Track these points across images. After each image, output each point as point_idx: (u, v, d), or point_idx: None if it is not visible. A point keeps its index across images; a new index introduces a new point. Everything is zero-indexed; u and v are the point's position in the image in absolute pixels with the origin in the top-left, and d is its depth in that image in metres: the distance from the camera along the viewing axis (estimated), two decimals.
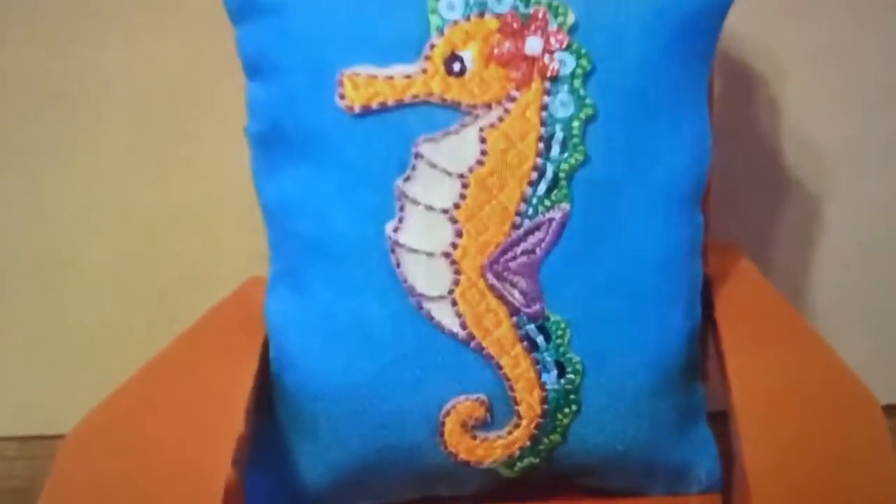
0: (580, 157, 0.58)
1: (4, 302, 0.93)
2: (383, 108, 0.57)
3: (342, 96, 0.57)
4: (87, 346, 0.93)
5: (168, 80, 0.88)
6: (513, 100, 0.57)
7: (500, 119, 0.57)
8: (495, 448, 0.61)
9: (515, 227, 0.58)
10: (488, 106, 0.57)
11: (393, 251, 0.58)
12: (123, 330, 0.92)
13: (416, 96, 0.57)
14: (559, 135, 0.58)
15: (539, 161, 0.58)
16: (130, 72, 0.88)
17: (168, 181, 0.90)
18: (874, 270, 0.96)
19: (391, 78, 0.57)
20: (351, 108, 0.57)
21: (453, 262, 0.58)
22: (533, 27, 0.58)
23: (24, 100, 0.88)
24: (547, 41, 0.58)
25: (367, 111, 0.57)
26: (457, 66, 0.57)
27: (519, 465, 0.62)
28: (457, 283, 0.58)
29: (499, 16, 0.58)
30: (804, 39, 0.90)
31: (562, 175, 0.58)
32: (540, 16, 0.58)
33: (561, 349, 0.59)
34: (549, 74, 0.58)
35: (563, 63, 0.58)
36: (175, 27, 0.86)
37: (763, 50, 0.90)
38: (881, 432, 0.49)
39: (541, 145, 0.58)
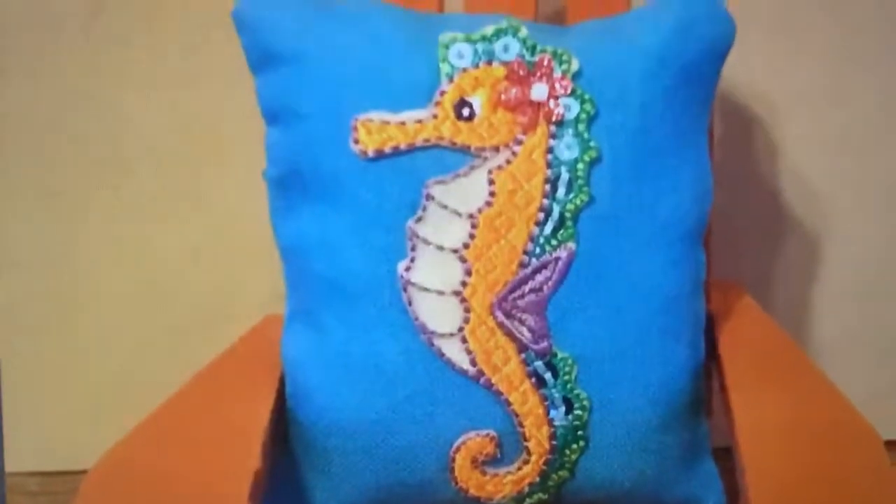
0: (585, 198, 0.59)
1: (28, 339, 0.93)
2: (396, 152, 0.58)
3: (356, 141, 0.58)
4: (108, 382, 0.93)
5: (187, 126, 0.89)
6: (520, 143, 0.59)
7: (508, 161, 0.59)
8: (505, 484, 0.61)
9: (523, 265, 0.59)
10: (496, 149, 0.59)
11: (405, 290, 0.58)
12: (144, 367, 0.92)
13: (427, 140, 0.58)
14: (565, 176, 0.59)
15: (546, 202, 0.59)
16: (151, 117, 0.89)
17: (188, 222, 0.91)
18: (874, 307, 0.96)
19: (403, 123, 0.58)
20: (365, 153, 0.58)
21: (463, 300, 0.59)
22: (539, 74, 0.60)
23: (48, 142, 0.89)
24: (552, 87, 0.59)
25: (380, 155, 0.58)
26: (466, 112, 0.59)
27: (528, 500, 0.62)
28: (467, 320, 0.59)
29: (506, 63, 0.59)
30: (801, 82, 0.91)
31: (568, 215, 0.59)
32: (545, 63, 0.60)
33: (568, 385, 0.59)
34: (554, 119, 0.59)
35: (568, 108, 0.59)
36: (195, 75, 0.88)
37: (761, 93, 0.92)
38: (884, 467, 0.49)
39: (547, 187, 0.59)
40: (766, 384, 0.60)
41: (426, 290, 0.59)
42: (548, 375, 0.60)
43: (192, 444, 0.54)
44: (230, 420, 0.56)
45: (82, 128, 0.89)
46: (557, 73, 0.60)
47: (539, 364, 0.59)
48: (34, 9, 0.86)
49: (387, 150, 0.58)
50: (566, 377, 0.60)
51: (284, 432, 0.62)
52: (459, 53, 0.59)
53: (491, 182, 0.59)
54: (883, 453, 0.50)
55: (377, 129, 0.58)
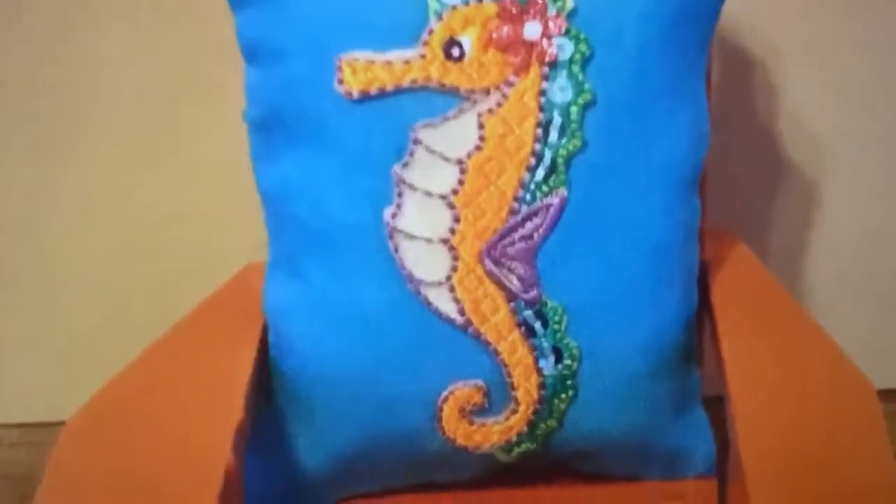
0: (578, 143, 0.58)
1: (5, 293, 0.93)
2: (382, 94, 0.57)
3: (341, 81, 0.57)
4: (87, 334, 0.94)
5: (164, 68, 0.88)
6: (511, 85, 0.57)
7: (499, 104, 0.57)
8: (493, 433, 0.61)
9: (513, 212, 0.58)
10: (486, 91, 0.57)
11: (391, 237, 0.58)
12: (124, 318, 0.93)
13: (414, 81, 0.57)
14: (557, 120, 0.58)
15: (537, 147, 0.58)
16: (126, 60, 0.88)
17: (167, 170, 0.90)
18: (870, 256, 0.97)
19: (390, 63, 0.56)
20: (349, 94, 0.57)
21: (451, 248, 0.58)
22: (532, 12, 0.58)
23: (19, 93, 0.88)
24: (545, 26, 0.58)
25: (365, 96, 0.57)
26: (455, 51, 0.57)
27: (516, 450, 0.63)
28: (455, 268, 0.58)
29: (498, 1, 0.57)
30: (803, 28, 0.90)
31: (560, 161, 0.58)
32: (539, 1, 0.58)
33: (558, 335, 0.60)
34: (547, 60, 0.58)
35: (562, 48, 0.58)
36: (172, 14, 0.86)
37: (761, 37, 0.90)
38: (876, 417, 0.49)
39: (539, 131, 0.58)
40: (759, 334, 0.60)
41: (413, 237, 0.58)
42: (537, 325, 0.60)
43: (172, 394, 0.54)
44: (211, 371, 0.57)
45: (57, 75, 0.87)
46: (551, 12, 0.58)
47: (528, 313, 0.59)
48: None
49: (372, 91, 0.57)
50: (556, 326, 0.60)
51: (268, 381, 0.62)
52: None
53: (481, 126, 0.57)
54: (875, 402, 0.50)
55: (362, 68, 0.57)
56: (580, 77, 0.58)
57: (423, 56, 0.57)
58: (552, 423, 0.61)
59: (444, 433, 0.60)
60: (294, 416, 0.62)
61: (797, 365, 0.56)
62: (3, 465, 0.94)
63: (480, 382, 0.60)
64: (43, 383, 0.95)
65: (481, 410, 0.60)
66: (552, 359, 0.60)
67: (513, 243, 0.59)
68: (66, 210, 0.91)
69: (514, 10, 0.57)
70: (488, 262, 0.58)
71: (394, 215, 0.58)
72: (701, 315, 0.66)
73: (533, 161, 0.58)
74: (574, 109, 0.58)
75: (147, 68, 0.88)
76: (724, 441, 0.57)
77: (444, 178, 0.58)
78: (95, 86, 0.88)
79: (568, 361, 0.60)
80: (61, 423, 0.50)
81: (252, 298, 0.63)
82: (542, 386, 0.60)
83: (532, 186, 0.58)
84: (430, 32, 0.57)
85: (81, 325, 0.94)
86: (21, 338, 0.94)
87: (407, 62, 0.57)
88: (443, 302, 0.58)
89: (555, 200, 0.58)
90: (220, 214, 0.91)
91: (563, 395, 0.61)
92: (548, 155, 0.58)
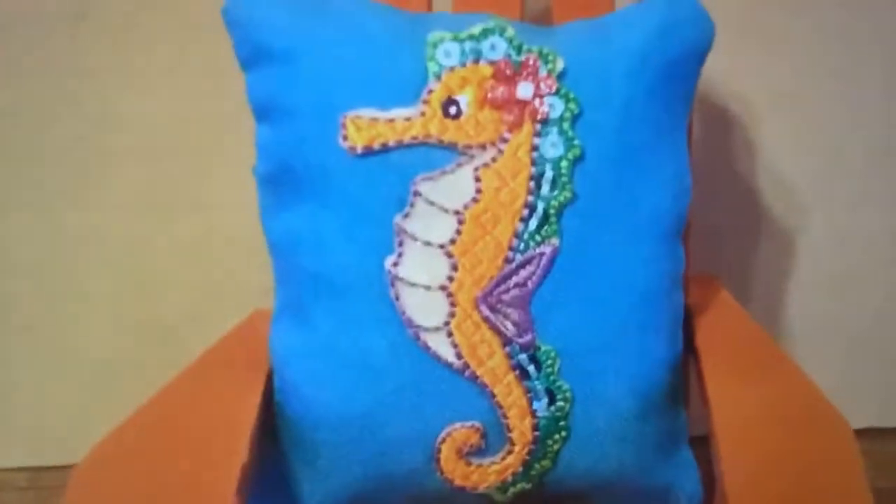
0: (569, 195, 0.60)
1: (17, 334, 0.93)
2: (384, 149, 0.59)
3: (345, 138, 0.59)
4: (97, 377, 0.93)
5: (177, 123, 0.89)
6: (505, 141, 0.60)
7: (494, 159, 0.59)
8: (489, 474, 0.62)
9: (508, 261, 0.60)
10: (483, 147, 0.59)
11: (392, 284, 0.59)
12: (133, 362, 0.92)
13: (415, 137, 0.59)
14: (549, 174, 0.60)
15: (530, 198, 0.60)
16: (141, 115, 0.89)
17: (177, 219, 0.91)
18: (845, 300, 0.98)
19: (392, 120, 0.59)
20: (354, 149, 0.59)
21: (449, 295, 0.60)
22: (525, 73, 0.60)
23: (36, 141, 0.89)
24: (537, 86, 0.60)
25: (368, 152, 0.59)
26: (453, 110, 0.59)
27: (512, 490, 0.63)
28: (452, 314, 0.60)
29: (493, 63, 0.60)
30: (775, 84, 0.93)
31: (552, 212, 0.60)
32: (531, 63, 0.60)
33: (551, 377, 0.61)
34: (539, 117, 0.60)
35: (553, 107, 0.60)
36: (185, 73, 0.88)
37: (738, 94, 0.93)
38: (853, 454, 0.50)
39: (532, 184, 0.60)
40: (742, 376, 0.61)
41: (413, 284, 0.59)
42: (531, 368, 0.61)
43: (181, 438, 0.54)
44: (218, 414, 0.57)
45: (70, 127, 0.89)
46: (543, 73, 0.60)
47: (523, 357, 0.61)
48: (21, 9, 0.86)
49: (375, 146, 0.59)
50: (549, 369, 0.61)
51: (272, 426, 0.63)
52: (447, 52, 0.60)
53: (477, 179, 0.60)
54: (852, 441, 0.52)
55: (366, 125, 0.59)
56: (570, 133, 0.60)
57: (423, 114, 0.59)
58: (546, 463, 0.62)
59: (442, 473, 0.61)
60: (298, 459, 0.62)
61: (778, 405, 0.57)
62: None
63: (477, 424, 0.60)
64: (52, 427, 0.94)
65: (478, 451, 0.61)
66: (546, 401, 0.61)
67: (508, 290, 0.60)
68: (77, 256, 0.91)
69: (508, 72, 0.60)
70: (484, 309, 0.60)
71: (395, 264, 0.59)
72: (686, 358, 0.67)
73: (526, 212, 0.60)
74: (564, 164, 0.60)
75: (159, 123, 0.89)
76: (710, 480, 0.58)
77: (442, 229, 0.59)
78: (108, 137, 0.89)
79: (561, 403, 0.61)
80: (70, 467, 0.50)
81: (259, 344, 0.64)
82: (536, 427, 0.61)
83: (526, 236, 0.60)
84: (430, 92, 0.59)
85: (91, 368, 0.93)
86: (31, 381, 0.93)
87: (408, 119, 0.59)
88: (441, 346, 0.60)
89: (547, 249, 0.60)
90: (227, 262, 0.92)
91: (557, 436, 0.61)
92: (540, 206, 0.60)
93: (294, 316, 0.62)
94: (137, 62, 0.88)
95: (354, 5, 0.62)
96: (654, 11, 0.63)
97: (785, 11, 0.91)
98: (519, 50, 0.61)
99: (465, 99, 0.60)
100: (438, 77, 0.59)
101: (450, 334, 0.60)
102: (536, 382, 0.61)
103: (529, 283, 0.60)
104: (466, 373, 0.60)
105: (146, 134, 0.89)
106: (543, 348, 0.61)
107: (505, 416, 0.61)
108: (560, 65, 0.61)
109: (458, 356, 0.60)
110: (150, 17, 0.87)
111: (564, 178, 0.60)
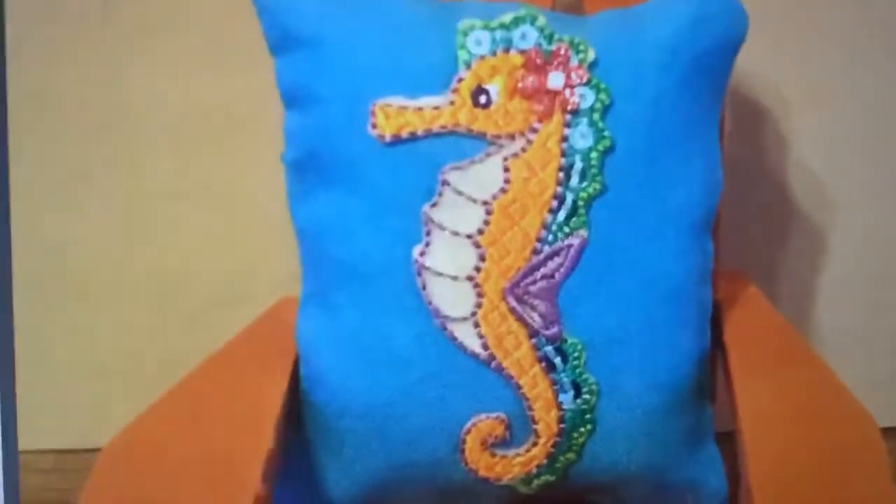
0: (598, 187, 0.60)
1: (43, 318, 0.93)
2: (413, 138, 0.59)
3: (374, 126, 0.59)
4: (123, 361, 0.94)
5: (205, 109, 0.89)
6: (535, 131, 0.59)
7: (523, 149, 0.59)
8: (514, 465, 0.62)
9: (536, 252, 0.60)
10: (512, 137, 0.59)
11: (419, 274, 0.59)
12: (159, 346, 0.93)
13: (444, 126, 0.59)
14: (578, 165, 0.60)
15: (559, 190, 0.60)
16: (170, 101, 0.89)
17: (205, 205, 0.92)
18: (876, 298, 0.97)
19: (421, 109, 0.59)
20: (382, 138, 0.59)
21: (476, 286, 0.59)
22: (555, 63, 0.60)
23: (66, 129, 0.89)
24: (568, 76, 0.60)
25: (397, 140, 0.59)
26: (483, 99, 0.59)
27: (536, 482, 0.63)
28: (479, 305, 0.59)
29: (523, 52, 0.60)
30: (810, 77, 0.92)
31: (580, 203, 0.60)
32: (562, 52, 0.60)
33: (577, 370, 0.60)
34: (569, 108, 0.60)
35: (583, 97, 0.60)
36: (215, 59, 0.89)
37: (771, 88, 0.92)
38: (879, 452, 0.50)
39: (561, 175, 0.60)
40: (769, 372, 0.61)
41: (440, 274, 0.59)
42: (557, 360, 0.60)
43: (207, 424, 0.54)
44: (244, 401, 0.57)
45: (100, 114, 0.89)
46: (574, 63, 0.60)
47: (549, 349, 0.60)
48: None
49: (404, 135, 0.59)
50: (575, 362, 0.60)
51: (298, 413, 0.63)
52: (477, 41, 0.60)
53: (506, 169, 0.59)
54: (878, 438, 0.51)
55: (395, 114, 0.59)
56: (600, 125, 0.60)
57: (452, 103, 0.59)
58: (571, 455, 0.62)
59: (466, 464, 0.61)
60: (322, 447, 0.62)
61: (805, 402, 0.56)
62: (36, 491, 0.93)
63: (502, 415, 0.60)
64: (78, 410, 0.94)
65: (503, 443, 0.61)
66: (571, 393, 0.61)
67: (535, 282, 0.60)
68: (104, 239, 0.92)
69: (538, 61, 0.60)
70: (511, 300, 0.60)
71: (422, 253, 0.59)
72: (714, 353, 0.67)
73: (555, 203, 0.60)
74: (594, 155, 0.60)
75: (189, 109, 0.89)
76: (735, 476, 0.58)
77: (470, 219, 0.59)
78: (137, 124, 0.89)
79: (587, 396, 0.61)
80: (95, 451, 0.50)
81: (286, 331, 0.64)
82: (561, 420, 0.61)
83: (554, 227, 0.60)
84: (460, 80, 0.59)
85: (117, 353, 0.94)
86: (57, 364, 0.94)
87: (437, 108, 0.59)
88: (467, 337, 0.59)
89: (575, 241, 0.60)
90: (255, 249, 0.92)
91: (582, 429, 0.61)
92: (569, 198, 0.60)
93: (320, 304, 0.63)
94: (166, 48, 0.88)
95: None
96: (687, 3, 0.63)
97: (826, 3, 0.90)
98: (550, 39, 0.61)
99: (494, 88, 0.59)
100: (468, 65, 0.59)
101: (476, 325, 0.60)
102: (562, 375, 0.61)
103: (557, 275, 0.60)
104: (492, 364, 0.60)
105: (174, 120, 0.90)
106: (570, 340, 0.60)
107: (530, 408, 0.61)
108: (591, 55, 0.61)
109: (485, 347, 0.60)
110: (179, 2, 0.87)
111: (594, 170, 0.60)
